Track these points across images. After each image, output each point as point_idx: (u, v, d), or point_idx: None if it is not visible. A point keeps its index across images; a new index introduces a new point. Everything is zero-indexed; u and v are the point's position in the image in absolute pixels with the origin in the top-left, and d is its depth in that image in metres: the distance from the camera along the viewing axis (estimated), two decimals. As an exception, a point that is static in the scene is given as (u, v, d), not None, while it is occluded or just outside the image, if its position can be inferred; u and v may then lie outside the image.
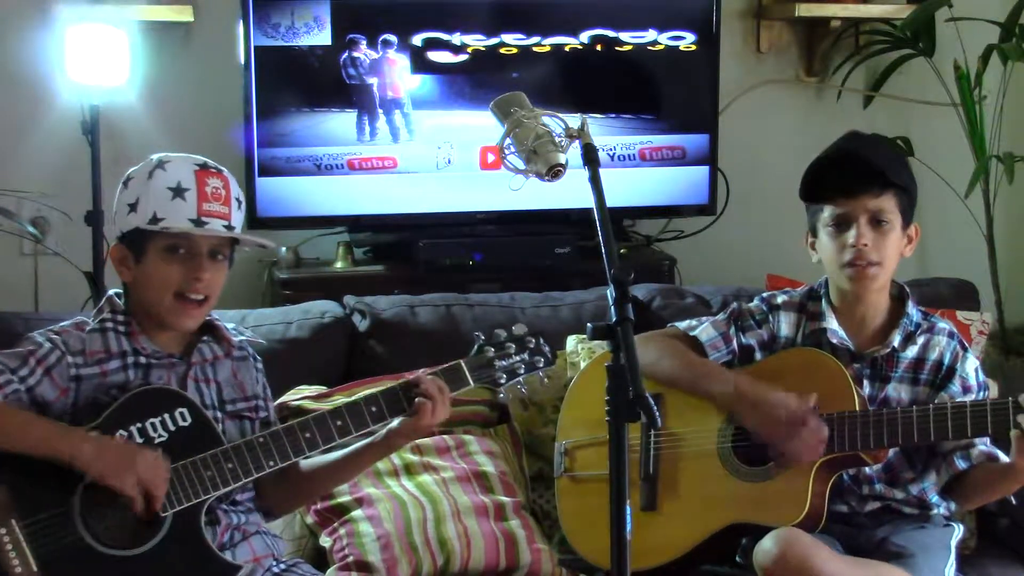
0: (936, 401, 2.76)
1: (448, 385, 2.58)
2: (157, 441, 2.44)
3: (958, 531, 2.82)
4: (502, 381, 2.65)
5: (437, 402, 2.54)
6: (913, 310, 2.84)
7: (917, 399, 2.79)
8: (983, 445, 2.77)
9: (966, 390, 2.80)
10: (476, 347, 2.66)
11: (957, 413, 2.63)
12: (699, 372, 2.83)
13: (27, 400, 2.42)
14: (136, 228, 2.50)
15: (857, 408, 2.70)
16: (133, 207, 2.50)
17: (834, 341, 2.82)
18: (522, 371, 2.68)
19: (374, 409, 2.54)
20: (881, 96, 4.46)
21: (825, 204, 2.78)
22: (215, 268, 2.52)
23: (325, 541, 2.92)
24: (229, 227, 2.52)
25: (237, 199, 2.55)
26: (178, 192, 2.48)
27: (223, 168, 2.57)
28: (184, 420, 2.47)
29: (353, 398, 2.57)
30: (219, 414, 2.56)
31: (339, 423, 2.52)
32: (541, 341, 2.71)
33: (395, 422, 2.57)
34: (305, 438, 2.50)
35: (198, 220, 2.48)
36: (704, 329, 2.91)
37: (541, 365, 2.70)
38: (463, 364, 2.63)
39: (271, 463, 2.48)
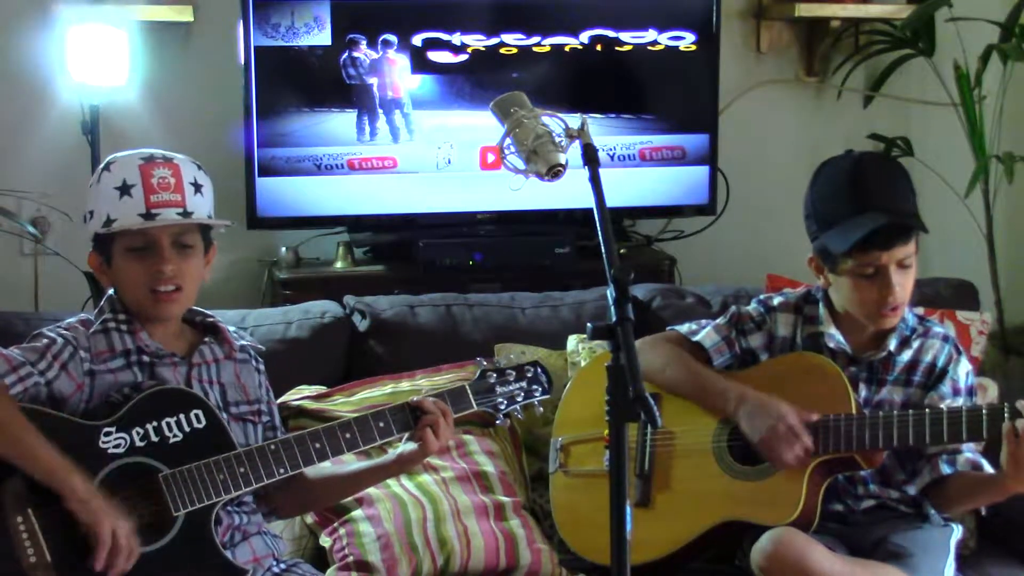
0: (926, 401, 2.77)
1: (452, 407, 2.63)
2: (172, 441, 2.45)
3: (957, 531, 2.82)
4: (502, 407, 2.72)
5: (441, 426, 2.58)
6: (909, 315, 2.85)
7: (909, 400, 2.80)
8: (969, 452, 2.78)
9: (955, 392, 2.81)
10: (479, 372, 2.72)
11: (953, 417, 2.63)
12: (703, 384, 2.85)
13: (45, 394, 2.43)
14: (96, 234, 2.53)
15: (853, 409, 2.71)
16: (90, 214, 2.53)
17: (831, 345, 2.82)
18: (520, 399, 2.75)
19: (382, 424, 2.58)
20: (881, 96, 4.46)
21: (852, 255, 2.72)
22: (181, 257, 2.52)
23: (325, 541, 2.92)
24: (185, 213, 2.51)
25: (193, 184, 2.53)
26: (124, 190, 2.48)
27: (176, 156, 2.55)
28: (199, 422, 2.49)
29: (362, 414, 2.59)
30: (224, 415, 2.56)
31: (348, 436, 2.56)
32: (539, 370, 2.78)
33: (404, 448, 2.61)
34: (315, 448, 2.53)
35: (147, 213, 2.48)
36: (707, 335, 2.91)
37: (538, 395, 2.77)
38: (467, 387, 2.69)
39: (281, 470, 2.50)
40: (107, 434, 2.42)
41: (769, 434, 2.69)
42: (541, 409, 2.80)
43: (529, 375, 2.76)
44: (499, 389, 2.72)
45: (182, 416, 2.47)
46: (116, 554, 2.33)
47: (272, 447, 2.51)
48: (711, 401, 2.83)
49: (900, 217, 2.72)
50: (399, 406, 2.60)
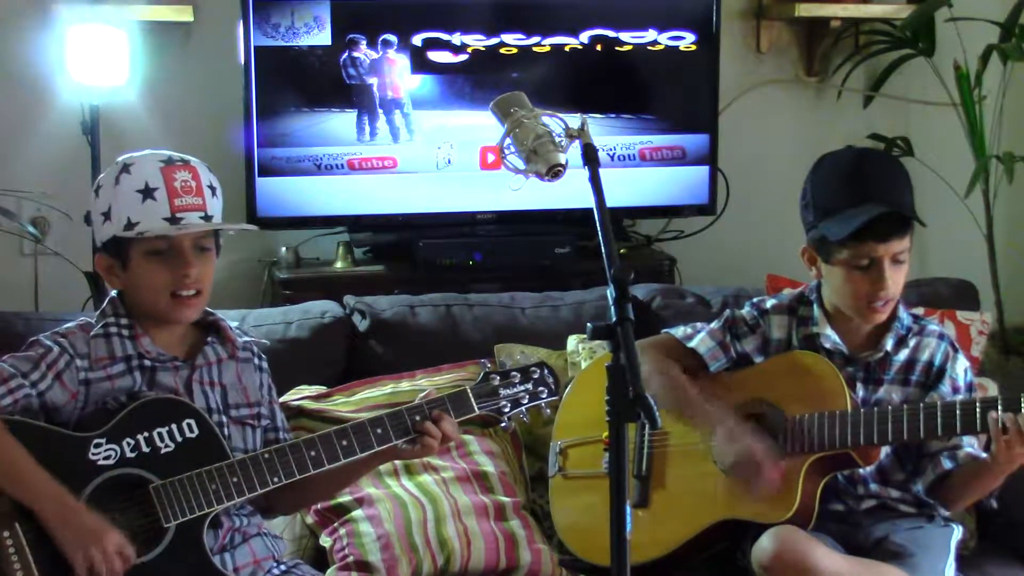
0: (926, 401, 2.77)
1: (453, 411, 2.57)
2: (163, 451, 2.43)
3: (957, 531, 2.83)
4: (506, 410, 2.65)
5: (441, 432, 2.54)
6: (904, 313, 2.85)
7: (908, 399, 2.80)
8: (970, 447, 2.79)
9: (955, 391, 2.81)
10: (482, 375, 2.66)
11: (947, 411, 2.64)
12: (683, 403, 2.84)
13: (37, 405, 2.41)
14: (114, 236, 2.48)
15: (848, 406, 2.71)
16: (107, 215, 2.48)
17: (827, 346, 2.83)
18: (526, 401, 2.67)
19: (379, 431, 2.53)
20: (881, 96, 4.46)
21: (848, 245, 2.73)
22: (202, 261, 2.50)
23: (325, 541, 2.92)
24: (206, 217, 2.49)
25: (210, 187, 2.51)
26: (147, 193, 2.45)
27: (190, 159, 2.53)
28: (191, 431, 2.46)
29: (359, 420, 2.56)
30: (224, 418, 2.55)
31: (344, 443, 2.51)
32: (546, 371, 2.70)
33: (398, 444, 2.57)
34: (310, 456, 2.49)
35: (172, 218, 2.45)
36: (701, 340, 2.91)
37: (544, 396, 2.69)
38: (469, 392, 2.62)
39: (275, 479, 2.47)
40: (97, 445, 2.40)
41: (735, 468, 2.73)
42: (548, 411, 2.75)
43: (535, 376, 2.68)
44: (503, 392, 2.65)
45: (174, 426, 2.45)
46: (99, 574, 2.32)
47: (266, 455, 2.47)
48: (688, 420, 2.83)
49: (899, 210, 2.73)
50: (397, 412, 2.55)
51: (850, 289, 2.76)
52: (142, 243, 2.47)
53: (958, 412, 2.63)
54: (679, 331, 2.96)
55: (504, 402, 2.65)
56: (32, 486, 2.34)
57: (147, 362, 2.51)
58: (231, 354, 2.61)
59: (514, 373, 2.67)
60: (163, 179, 2.46)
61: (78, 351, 2.47)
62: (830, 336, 2.83)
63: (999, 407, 2.60)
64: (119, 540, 2.34)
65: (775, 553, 2.59)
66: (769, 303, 2.94)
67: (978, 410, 2.62)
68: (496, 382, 2.65)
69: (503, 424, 2.67)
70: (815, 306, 2.87)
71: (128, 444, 2.42)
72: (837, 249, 2.75)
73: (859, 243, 2.71)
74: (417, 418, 2.54)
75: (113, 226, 2.48)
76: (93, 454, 2.40)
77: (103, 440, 2.40)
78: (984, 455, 2.75)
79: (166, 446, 2.44)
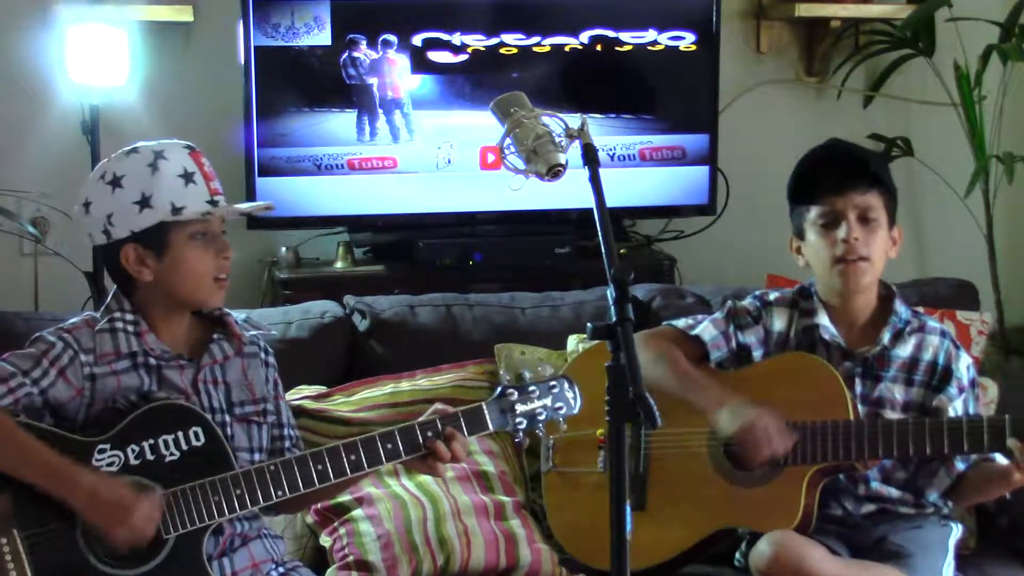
0: (933, 403, 2.78)
1: (467, 428, 2.50)
2: (168, 460, 2.41)
3: (956, 531, 2.83)
4: (522, 427, 2.55)
5: (451, 453, 2.49)
6: (901, 307, 2.85)
7: (911, 400, 2.80)
8: None
9: (960, 390, 2.82)
10: (500, 390, 2.56)
11: (954, 430, 2.65)
12: (690, 383, 2.81)
13: (40, 402, 2.40)
14: (159, 223, 2.44)
15: (850, 414, 2.71)
16: (144, 203, 2.43)
17: (826, 338, 2.83)
18: (543, 417, 2.56)
19: (389, 446, 2.47)
20: (881, 96, 4.46)
21: (813, 204, 2.80)
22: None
23: (325, 540, 2.92)
24: (229, 201, 2.53)
25: None
26: (188, 178, 2.44)
27: None
28: (197, 440, 2.43)
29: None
30: (227, 418, 2.52)
31: (352, 457, 2.46)
32: (566, 385, 2.59)
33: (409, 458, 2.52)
34: (316, 470, 2.45)
35: (212, 200, 2.47)
36: (705, 328, 2.91)
37: (563, 412, 2.57)
38: (484, 408, 2.53)
39: (279, 492, 2.43)
40: (101, 451, 2.38)
41: (743, 432, 2.69)
42: (565, 427, 2.62)
43: (555, 391, 2.56)
44: (519, 408, 2.53)
45: (180, 434, 2.42)
46: (141, 537, 2.34)
47: (271, 468, 2.44)
48: (695, 398, 2.79)
49: (859, 161, 2.78)
50: (409, 427, 2.49)
51: (822, 252, 2.79)
52: (186, 228, 2.46)
53: (965, 431, 2.64)
54: (680, 322, 2.96)
55: (520, 418, 2.54)
56: (49, 476, 2.32)
57: (152, 360, 2.49)
58: (237, 350, 2.59)
59: (533, 388, 2.56)
60: (195, 164, 2.47)
61: (83, 346, 2.45)
62: (828, 328, 2.82)
63: (1008, 429, 2.60)
64: (148, 503, 2.33)
65: (773, 557, 2.59)
66: (772, 295, 2.94)
67: (985, 432, 2.62)
68: (514, 398, 2.54)
69: (517, 440, 2.58)
70: (815, 298, 2.87)
71: (133, 451, 2.39)
72: (804, 216, 2.80)
73: (818, 197, 2.77)
74: (429, 434, 2.48)
75: (156, 213, 2.44)
76: (97, 460, 2.37)
77: (107, 446, 2.38)
78: (999, 458, 2.74)
79: (171, 454, 2.41)
